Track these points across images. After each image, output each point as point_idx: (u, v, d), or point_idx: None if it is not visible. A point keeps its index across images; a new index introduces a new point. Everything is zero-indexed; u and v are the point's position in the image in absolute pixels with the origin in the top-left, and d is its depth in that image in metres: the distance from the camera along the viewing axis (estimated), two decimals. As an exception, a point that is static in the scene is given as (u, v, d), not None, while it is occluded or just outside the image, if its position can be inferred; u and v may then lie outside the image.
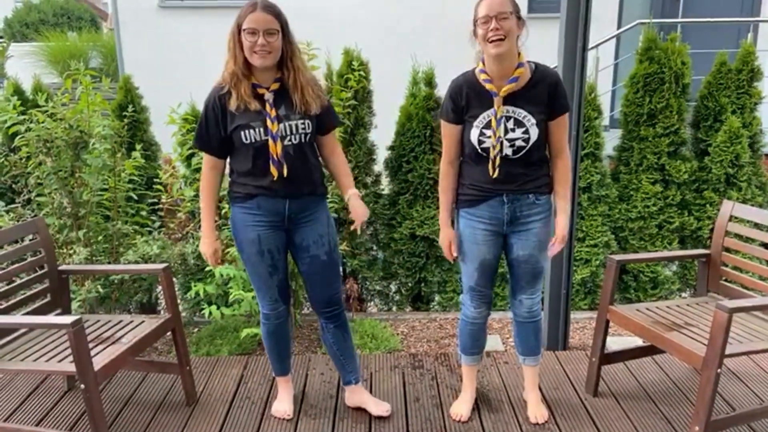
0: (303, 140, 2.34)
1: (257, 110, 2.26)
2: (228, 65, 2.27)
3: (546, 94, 2.27)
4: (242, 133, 2.26)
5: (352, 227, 2.51)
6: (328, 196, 2.55)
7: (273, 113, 2.27)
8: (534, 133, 2.25)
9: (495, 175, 2.30)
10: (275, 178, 2.31)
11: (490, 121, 2.25)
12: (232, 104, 2.26)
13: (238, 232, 2.42)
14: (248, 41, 2.19)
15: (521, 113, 2.25)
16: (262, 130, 2.26)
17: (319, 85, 2.41)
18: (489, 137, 2.26)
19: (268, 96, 2.28)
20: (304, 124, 2.32)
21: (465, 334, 2.63)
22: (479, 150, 2.29)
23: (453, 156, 2.42)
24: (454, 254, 2.50)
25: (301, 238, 2.44)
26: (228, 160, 2.43)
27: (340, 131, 3.79)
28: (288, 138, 2.30)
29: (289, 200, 2.37)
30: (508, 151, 2.27)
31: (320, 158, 2.49)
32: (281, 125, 2.28)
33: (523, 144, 2.26)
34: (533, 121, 2.25)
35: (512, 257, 2.45)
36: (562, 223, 2.39)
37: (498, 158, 2.28)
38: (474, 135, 2.28)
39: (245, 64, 2.24)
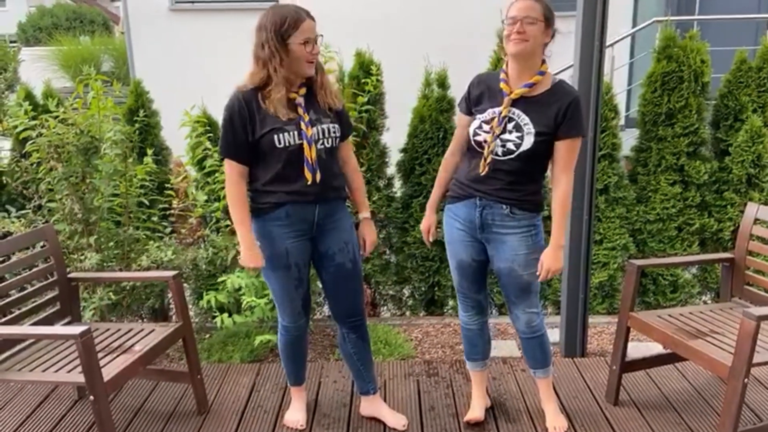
0: (333, 144, 2.32)
1: (290, 114, 2.22)
2: (262, 72, 2.19)
3: (557, 110, 2.18)
4: (276, 136, 2.20)
5: (363, 252, 2.50)
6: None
7: (306, 117, 2.24)
8: (528, 141, 2.19)
9: (484, 172, 2.26)
10: (309, 183, 2.26)
11: (494, 118, 2.23)
12: (270, 109, 2.20)
13: (264, 246, 2.33)
14: (305, 51, 2.16)
15: (524, 119, 2.21)
16: (296, 133, 2.22)
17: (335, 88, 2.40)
18: (486, 132, 2.24)
19: (300, 100, 2.25)
20: (334, 128, 2.31)
21: (463, 339, 2.63)
22: (473, 142, 2.28)
23: (456, 146, 2.43)
24: (431, 239, 2.51)
25: (327, 246, 2.39)
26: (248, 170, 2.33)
27: (353, 134, 3.74)
28: (321, 142, 2.27)
29: (319, 205, 2.33)
30: (498, 149, 2.23)
31: None
32: (314, 129, 2.25)
33: (513, 148, 2.21)
34: (532, 130, 2.19)
35: (494, 269, 2.41)
36: (549, 253, 2.27)
37: (490, 156, 2.24)
38: (473, 126, 2.28)
39: (293, 73, 2.20)
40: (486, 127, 2.24)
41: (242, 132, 2.23)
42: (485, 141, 2.24)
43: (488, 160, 2.24)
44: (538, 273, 2.31)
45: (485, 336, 2.60)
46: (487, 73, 2.39)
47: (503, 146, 2.22)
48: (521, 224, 2.30)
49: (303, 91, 2.28)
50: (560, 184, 2.26)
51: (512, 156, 2.22)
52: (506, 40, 2.18)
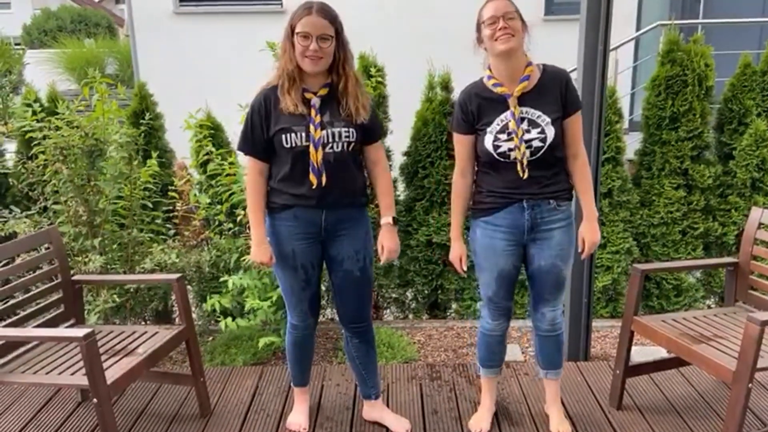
0: (345, 148, 2.26)
1: (302, 114, 2.21)
2: (279, 67, 2.23)
3: (558, 92, 2.23)
4: (284, 136, 2.21)
5: (380, 260, 2.43)
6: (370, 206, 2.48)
7: (318, 119, 2.22)
8: (550, 132, 2.20)
9: (525, 177, 2.24)
10: (314, 186, 2.25)
11: (507, 124, 2.21)
12: (282, 106, 2.21)
13: (272, 244, 2.35)
14: (300, 45, 2.15)
15: (534, 113, 2.21)
16: (303, 135, 2.21)
17: (367, 95, 2.35)
18: (506, 141, 2.21)
19: (315, 101, 2.23)
20: (348, 132, 2.26)
21: (482, 346, 2.57)
22: (496, 156, 2.24)
23: (465, 167, 2.37)
24: (465, 268, 2.45)
25: (337, 252, 2.38)
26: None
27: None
28: (330, 145, 2.24)
29: (326, 211, 2.31)
30: (527, 151, 2.22)
31: (365, 168, 2.41)
32: (324, 132, 2.23)
33: (540, 144, 2.21)
34: (548, 120, 2.20)
35: (534, 268, 2.37)
36: (588, 227, 2.34)
37: (525, 159, 2.22)
38: (488, 141, 2.24)
39: (296, 67, 2.20)
40: (503, 136, 2.22)
41: (259, 129, 2.26)
42: (511, 149, 2.21)
43: (525, 164, 2.23)
44: (580, 250, 2.35)
45: (504, 342, 2.58)
46: (469, 87, 2.32)
47: (529, 147, 2.21)
48: (564, 215, 2.33)
49: (324, 91, 2.25)
50: (579, 156, 2.31)
51: (543, 151, 2.22)
52: (489, 41, 2.16)
